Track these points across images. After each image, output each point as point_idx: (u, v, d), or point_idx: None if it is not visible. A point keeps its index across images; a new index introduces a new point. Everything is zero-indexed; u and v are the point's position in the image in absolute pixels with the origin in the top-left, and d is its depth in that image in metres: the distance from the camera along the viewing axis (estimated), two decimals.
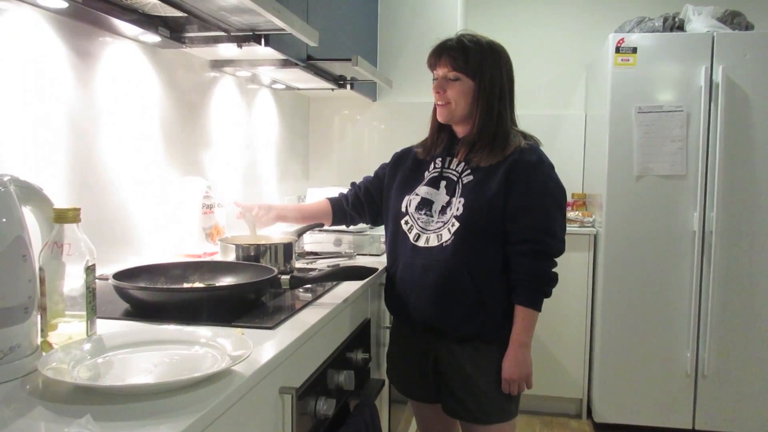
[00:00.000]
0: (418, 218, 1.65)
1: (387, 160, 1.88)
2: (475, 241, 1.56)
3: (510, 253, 1.57)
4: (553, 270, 1.58)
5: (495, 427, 1.62)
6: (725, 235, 2.80)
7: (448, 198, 1.62)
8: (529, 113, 3.33)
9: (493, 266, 1.57)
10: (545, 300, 1.59)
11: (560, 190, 1.61)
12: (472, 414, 1.62)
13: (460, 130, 1.68)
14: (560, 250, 1.58)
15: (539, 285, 1.56)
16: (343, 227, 2.02)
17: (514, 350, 1.57)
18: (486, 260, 1.57)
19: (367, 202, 1.87)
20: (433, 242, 1.60)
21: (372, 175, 1.89)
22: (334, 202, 1.91)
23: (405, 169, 1.76)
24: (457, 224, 1.57)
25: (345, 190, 1.95)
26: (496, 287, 1.58)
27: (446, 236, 1.58)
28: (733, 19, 2.90)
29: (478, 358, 1.60)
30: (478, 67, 1.58)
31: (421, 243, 1.62)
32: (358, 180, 1.93)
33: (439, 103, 1.64)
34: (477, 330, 1.59)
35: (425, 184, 1.68)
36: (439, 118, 1.67)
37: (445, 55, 1.60)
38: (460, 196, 1.59)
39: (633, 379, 2.93)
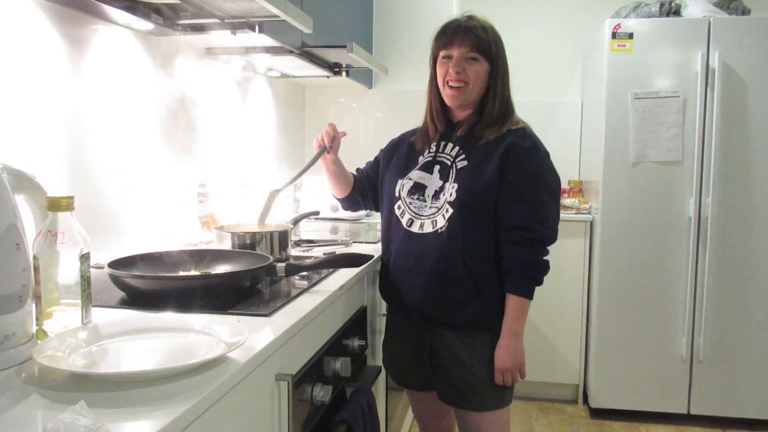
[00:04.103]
0: (411, 203, 1.64)
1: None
2: (470, 228, 1.56)
3: (501, 240, 1.56)
4: (545, 258, 1.56)
5: (490, 414, 1.62)
6: (721, 221, 2.81)
7: (441, 183, 1.61)
8: (526, 100, 3.31)
9: (488, 253, 1.57)
10: (542, 286, 1.59)
11: (554, 178, 1.59)
12: (467, 401, 1.62)
13: (461, 114, 1.65)
14: (551, 239, 1.56)
15: (530, 273, 1.55)
16: (338, 215, 2.02)
17: (506, 339, 1.57)
18: (481, 247, 1.57)
19: (368, 186, 1.87)
20: (428, 228, 1.59)
21: (373, 160, 1.89)
22: (354, 180, 1.89)
23: (400, 154, 1.75)
24: (451, 210, 1.57)
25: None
26: (491, 274, 1.57)
27: (441, 222, 1.58)
28: (729, 4, 2.89)
29: (472, 345, 1.60)
30: (493, 48, 1.58)
31: (414, 229, 1.62)
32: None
33: (454, 85, 1.58)
34: (471, 317, 1.59)
35: (418, 169, 1.67)
36: (451, 102, 1.62)
37: (469, 34, 1.57)
38: (454, 181, 1.58)
39: (629, 364, 2.95)
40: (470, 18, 1.61)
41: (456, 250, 1.56)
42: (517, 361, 1.57)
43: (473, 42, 1.56)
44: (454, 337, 1.62)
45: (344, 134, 1.83)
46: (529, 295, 1.56)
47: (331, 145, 1.80)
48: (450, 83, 1.59)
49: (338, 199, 1.93)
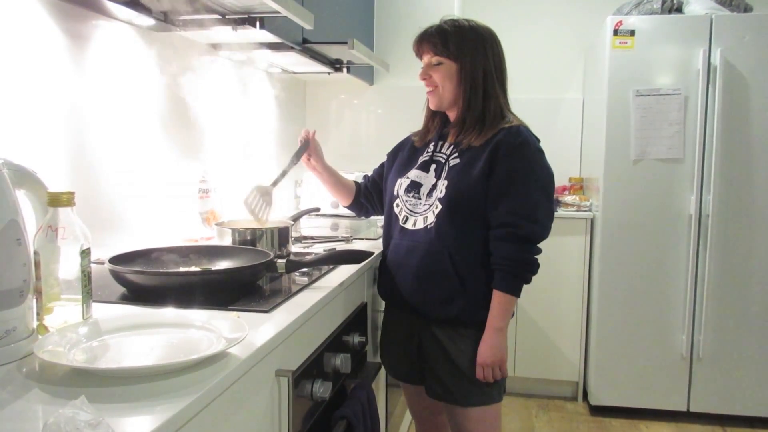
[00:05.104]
0: (407, 201, 1.66)
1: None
2: (458, 224, 1.57)
3: (490, 237, 1.56)
4: (534, 256, 1.55)
5: (475, 410, 1.62)
6: (722, 219, 2.81)
7: (435, 180, 1.63)
8: (527, 97, 3.33)
9: (475, 250, 1.57)
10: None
11: (546, 174, 1.58)
12: (453, 396, 1.63)
13: (453, 115, 1.68)
14: (540, 236, 1.55)
15: (516, 270, 1.54)
16: (338, 212, 2.03)
17: (489, 335, 1.57)
18: (468, 244, 1.57)
19: (375, 192, 1.90)
20: (419, 225, 1.62)
21: (379, 165, 1.93)
22: (356, 187, 1.94)
23: (402, 155, 1.78)
24: (440, 206, 1.58)
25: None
26: (478, 271, 1.58)
27: (430, 219, 1.60)
28: (731, 1, 2.88)
29: (458, 340, 1.61)
30: (459, 48, 1.59)
31: (408, 225, 1.64)
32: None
33: (427, 89, 1.66)
34: (457, 313, 1.59)
35: (416, 168, 1.69)
36: (431, 106, 1.69)
37: (425, 41, 1.62)
38: (445, 179, 1.60)
39: (629, 361, 2.95)
40: (443, 22, 1.63)
41: (443, 245, 1.57)
42: (497, 357, 1.57)
43: (434, 47, 1.61)
44: (441, 332, 1.63)
45: (314, 131, 1.90)
46: (515, 293, 1.55)
47: (306, 140, 1.85)
48: (426, 89, 1.67)
49: (347, 208, 1.97)
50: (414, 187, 1.66)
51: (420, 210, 1.63)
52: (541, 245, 1.57)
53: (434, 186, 1.62)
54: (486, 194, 1.55)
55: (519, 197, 1.53)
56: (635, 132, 2.84)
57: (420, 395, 1.79)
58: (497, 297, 1.56)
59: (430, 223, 1.59)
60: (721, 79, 2.74)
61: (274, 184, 1.79)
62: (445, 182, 1.59)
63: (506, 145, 1.54)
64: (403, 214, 1.66)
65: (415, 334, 1.69)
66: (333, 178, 1.90)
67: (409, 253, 1.63)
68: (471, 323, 1.60)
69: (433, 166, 1.65)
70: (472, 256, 1.57)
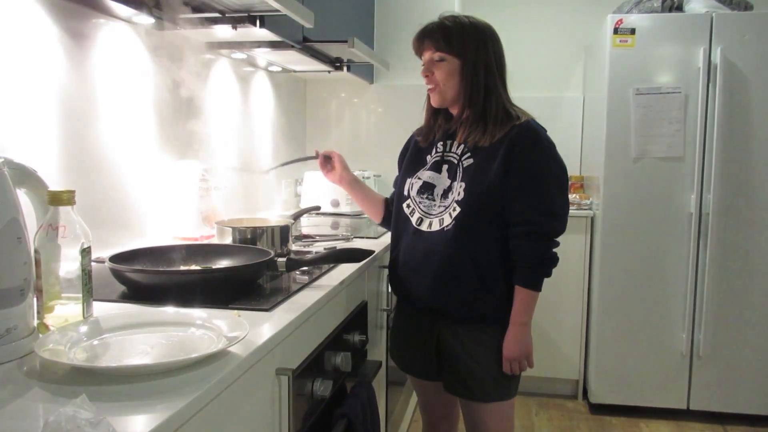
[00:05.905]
0: (420, 202, 1.65)
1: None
2: (476, 226, 1.56)
3: (509, 235, 1.56)
4: (553, 250, 1.57)
5: (493, 405, 1.63)
6: (722, 217, 2.80)
7: (449, 182, 1.62)
8: (527, 95, 3.31)
9: (494, 250, 1.57)
10: (544, 281, 1.60)
11: (560, 169, 1.59)
12: (472, 392, 1.63)
13: (455, 111, 1.67)
14: (559, 231, 1.57)
15: (538, 266, 1.56)
16: (338, 210, 2.02)
17: (514, 330, 1.58)
18: (487, 244, 1.57)
19: None
20: (435, 227, 1.60)
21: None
22: (385, 203, 1.91)
23: (409, 155, 1.77)
24: (458, 209, 1.57)
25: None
26: (498, 271, 1.58)
27: (447, 221, 1.58)
28: None
29: (479, 338, 1.61)
30: (461, 44, 1.58)
31: (423, 227, 1.63)
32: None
33: (429, 86, 1.65)
34: (478, 313, 1.59)
35: (428, 168, 1.68)
36: (433, 103, 1.67)
37: (427, 38, 1.61)
38: (461, 180, 1.59)
39: (629, 360, 2.96)
40: (441, 18, 1.62)
41: (462, 247, 1.56)
42: (524, 350, 1.59)
43: (436, 44, 1.59)
44: (461, 330, 1.63)
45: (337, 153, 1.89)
46: (537, 287, 1.57)
47: (318, 153, 1.85)
48: (427, 86, 1.65)
49: (380, 225, 1.94)
50: (427, 188, 1.65)
51: (435, 212, 1.62)
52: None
53: (449, 188, 1.61)
54: (503, 193, 1.55)
55: (536, 194, 1.54)
56: (635, 130, 2.84)
57: (436, 390, 1.78)
58: (520, 294, 1.57)
59: (448, 225, 1.58)
60: (721, 78, 2.73)
61: (269, 170, 1.80)
62: (462, 184, 1.58)
63: (521, 143, 1.55)
64: (417, 215, 1.65)
65: (434, 333, 1.68)
66: (363, 192, 1.89)
67: (426, 255, 1.61)
68: (494, 322, 1.60)
69: (446, 167, 1.64)
70: (492, 256, 1.58)
